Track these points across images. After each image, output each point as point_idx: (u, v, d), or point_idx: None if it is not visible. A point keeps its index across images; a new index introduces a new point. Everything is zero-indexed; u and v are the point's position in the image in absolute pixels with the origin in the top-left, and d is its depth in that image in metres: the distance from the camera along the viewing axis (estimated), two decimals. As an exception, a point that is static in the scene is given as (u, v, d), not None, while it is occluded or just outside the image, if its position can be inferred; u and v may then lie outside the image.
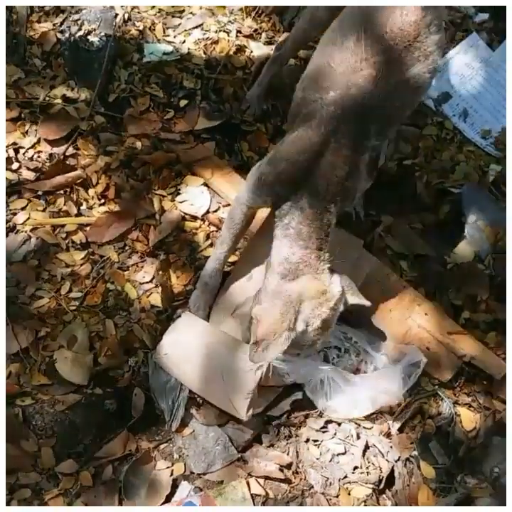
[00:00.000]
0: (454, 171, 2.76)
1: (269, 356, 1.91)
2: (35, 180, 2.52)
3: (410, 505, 2.13)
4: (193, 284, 2.39)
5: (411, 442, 2.21)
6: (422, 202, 2.69)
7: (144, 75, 2.79)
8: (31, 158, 2.57)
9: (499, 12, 3.14)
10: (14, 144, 2.58)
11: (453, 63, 3.02)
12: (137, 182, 2.57)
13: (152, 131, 2.66)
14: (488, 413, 2.29)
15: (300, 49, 2.78)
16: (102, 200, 2.53)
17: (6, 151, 2.55)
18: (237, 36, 2.95)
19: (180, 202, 2.55)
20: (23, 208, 2.47)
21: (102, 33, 2.77)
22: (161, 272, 2.39)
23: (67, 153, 2.59)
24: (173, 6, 3.00)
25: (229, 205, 2.50)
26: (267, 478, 2.11)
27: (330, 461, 2.16)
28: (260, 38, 2.99)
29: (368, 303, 2.08)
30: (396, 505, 2.13)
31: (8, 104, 2.63)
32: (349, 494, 2.12)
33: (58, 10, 2.89)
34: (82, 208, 2.51)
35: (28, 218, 2.45)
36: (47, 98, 2.68)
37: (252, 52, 2.93)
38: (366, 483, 2.13)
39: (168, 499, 2.06)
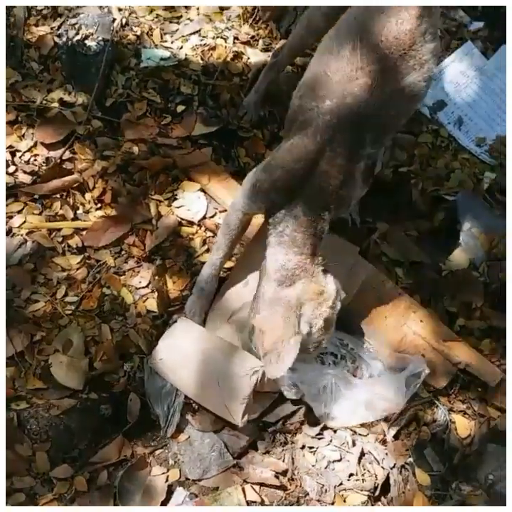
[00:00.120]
0: (449, 178, 2.74)
1: (286, 365, 1.88)
2: (31, 184, 2.49)
3: (407, 513, 2.12)
4: (189, 289, 2.36)
5: (406, 449, 2.19)
6: (417, 209, 2.66)
7: (142, 80, 2.75)
8: (28, 162, 2.54)
9: (494, 21, 3.13)
10: (11, 147, 2.54)
11: (448, 71, 3.00)
12: (134, 187, 2.53)
13: (149, 136, 2.63)
14: (483, 420, 2.27)
15: (297, 56, 2.74)
16: (99, 205, 2.50)
17: (3, 154, 2.52)
18: (234, 43, 2.92)
19: (177, 207, 2.52)
20: (19, 212, 2.44)
21: (100, 38, 2.74)
22: (157, 277, 2.36)
23: (63, 157, 2.55)
24: (170, 12, 2.97)
25: (225, 210, 2.47)
26: (262, 484, 2.08)
27: (325, 468, 2.13)
28: (257, 44, 2.95)
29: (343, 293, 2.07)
30: (391, 512, 2.12)
31: (5, 107, 2.59)
32: (344, 501, 2.09)
33: (56, 13, 2.85)
34: (78, 212, 2.48)
35: (25, 222, 2.42)
36: (44, 102, 2.64)
37: (249, 58, 2.89)
38: (361, 491, 2.10)
39: (163, 505, 2.02)
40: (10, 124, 2.58)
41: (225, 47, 2.90)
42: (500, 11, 3.12)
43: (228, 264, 2.39)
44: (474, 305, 2.45)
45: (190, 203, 2.54)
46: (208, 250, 2.45)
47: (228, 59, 2.87)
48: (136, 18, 2.92)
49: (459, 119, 2.95)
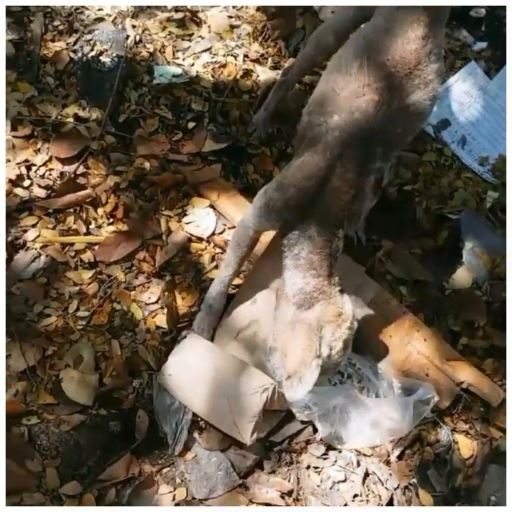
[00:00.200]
0: (453, 197, 2.61)
1: (307, 388, 1.81)
2: (46, 198, 2.36)
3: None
4: (198, 305, 2.23)
5: (410, 470, 2.07)
6: (421, 227, 2.54)
7: (154, 97, 2.63)
8: (43, 176, 2.41)
9: (497, 41, 3.01)
10: (27, 161, 2.42)
11: (452, 91, 2.87)
12: (145, 202, 2.41)
13: (161, 152, 2.50)
14: (485, 441, 2.15)
15: (305, 74, 2.63)
16: (111, 220, 2.37)
17: (18, 168, 2.38)
18: (244, 60, 2.79)
19: (187, 223, 2.40)
20: (33, 225, 2.31)
21: (114, 54, 2.62)
22: (166, 293, 2.23)
23: (77, 172, 2.43)
24: (182, 29, 2.83)
25: (234, 227, 2.34)
26: (268, 504, 1.96)
27: (330, 488, 2.01)
28: (266, 62, 2.82)
29: (371, 311, 2.05)
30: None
31: (21, 121, 2.47)
32: (349, 523, 1.98)
33: (72, 29, 2.72)
34: (91, 226, 2.35)
35: (38, 236, 2.29)
36: (59, 117, 2.52)
37: (258, 76, 2.77)
38: (366, 512, 1.99)
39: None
40: (26, 138, 2.46)
41: (235, 64, 2.77)
42: (503, 31, 3.01)
43: (236, 281, 2.27)
44: (477, 324, 2.33)
45: (199, 219, 2.41)
46: (216, 266, 2.32)
47: (238, 76, 2.74)
48: (150, 35, 2.79)
49: (462, 138, 2.82)
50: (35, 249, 2.26)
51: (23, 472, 1.93)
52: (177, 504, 1.93)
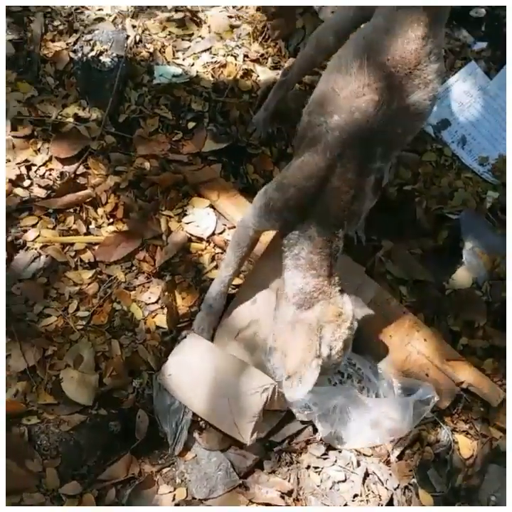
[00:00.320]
0: (453, 197, 2.61)
1: (307, 388, 1.80)
2: (46, 198, 2.36)
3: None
4: (198, 305, 2.23)
5: (410, 470, 2.06)
6: (421, 227, 2.54)
7: (154, 97, 2.62)
8: (43, 176, 2.41)
9: (497, 41, 3.00)
10: (27, 161, 2.41)
11: (452, 91, 2.87)
12: (145, 202, 2.41)
13: (161, 152, 2.50)
14: (485, 441, 2.15)
15: (305, 74, 2.63)
16: (111, 220, 2.37)
17: (18, 168, 2.38)
18: (244, 60, 2.79)
19: (187, 223, 2.39)
20: (33, 225, 2.30)
21: (114, 54, 2.62)
22: (166, 293, 2.23)
23: (77, 172, 2.42)
24: (182, 29, 2.83)
25: (234, 227, 2.34)
26: (268, 504, 1.96)
27: (330, 488, 2.01)
28: (266, 62, 2.82)
29: (371, 311, 2.05)
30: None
31: (21, 121, 2.47)
32: (349, 523, 1.97)
33: (72, 29, 2.72)
34: (91, 226, 2.35)
35: (38, 236, 2.29)
36: (59, 117, 2.51)
37: (258, 76, 2.76)
38: (366, 512, 1.99)
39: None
40: (26, 138, 2.45)
41: (235, 64, 2.77)
42: (503, 31, 3.01)
43: (236, 281, 2.26)
44: (477, 324, 2.33)
45: (199, 219, 2.41)
46: (216, 266, 2.32)
47: (238, 76, 2.74)
48: (150, 35, 2.79)
49: (462, 138, 2.82)
50: (35, 249, 2.26)
51: (23, 472, 1.92)
52: (177, 504, 1.93)
